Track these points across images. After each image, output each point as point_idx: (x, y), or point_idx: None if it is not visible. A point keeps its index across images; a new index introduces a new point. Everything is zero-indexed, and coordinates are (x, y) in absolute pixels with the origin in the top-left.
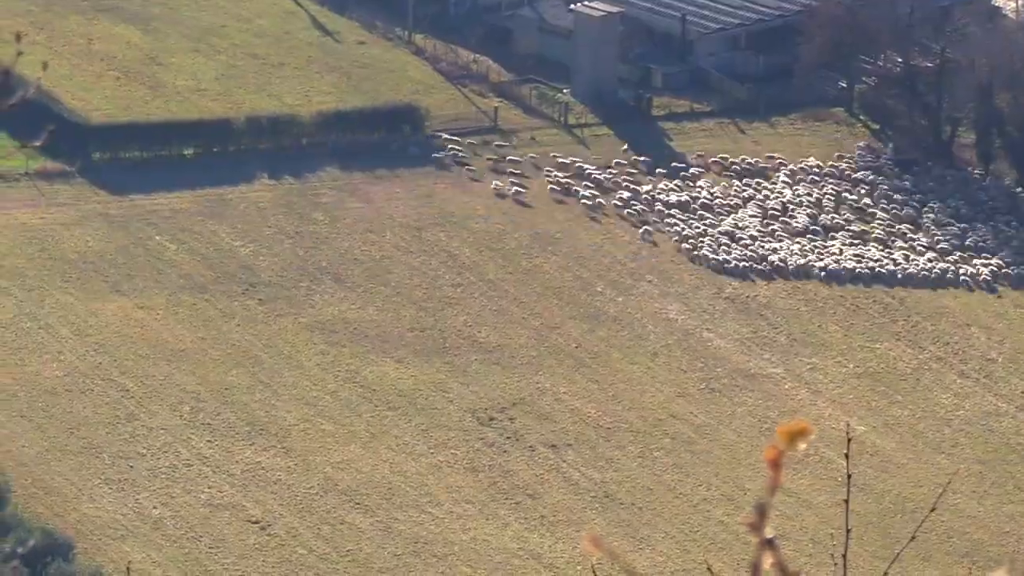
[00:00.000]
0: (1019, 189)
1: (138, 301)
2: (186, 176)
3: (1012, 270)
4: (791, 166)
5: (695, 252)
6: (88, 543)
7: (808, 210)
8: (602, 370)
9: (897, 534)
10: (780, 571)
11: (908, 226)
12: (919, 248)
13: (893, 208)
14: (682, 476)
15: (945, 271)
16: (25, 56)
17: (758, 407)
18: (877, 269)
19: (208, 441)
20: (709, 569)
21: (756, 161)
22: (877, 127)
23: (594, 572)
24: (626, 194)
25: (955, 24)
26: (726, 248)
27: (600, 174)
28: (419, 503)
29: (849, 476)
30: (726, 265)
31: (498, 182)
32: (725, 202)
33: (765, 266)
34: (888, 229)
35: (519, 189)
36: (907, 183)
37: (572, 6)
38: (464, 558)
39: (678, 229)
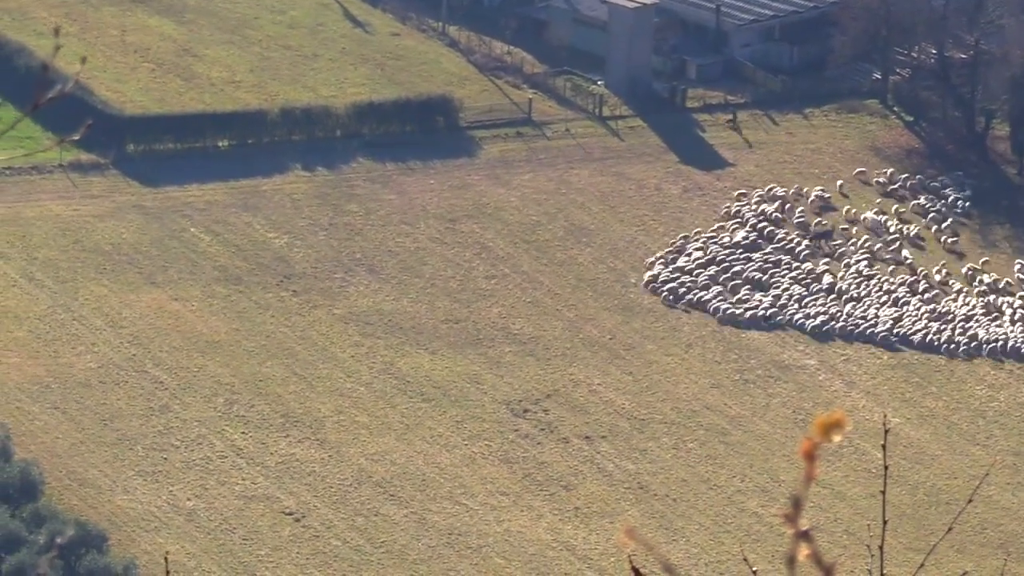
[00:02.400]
0: None
1: (172, 293)
2: (220, 168)
3: None
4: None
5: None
6: (122, 535)
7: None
8: (636, 362)
9: (931, 526)
10: (815, 563)
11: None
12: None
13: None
14: (716, 468)
15: None
16: (60, 48)
17: (792, 398)
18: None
19: (242, 433)
20: (745, 560)
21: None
22: (911, 119)
23: (630, 564)
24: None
25: (989, 15)
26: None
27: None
28: (453, 495)
29: (886, 468)
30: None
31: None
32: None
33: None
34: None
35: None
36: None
37: None
38: (498, 550)
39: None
